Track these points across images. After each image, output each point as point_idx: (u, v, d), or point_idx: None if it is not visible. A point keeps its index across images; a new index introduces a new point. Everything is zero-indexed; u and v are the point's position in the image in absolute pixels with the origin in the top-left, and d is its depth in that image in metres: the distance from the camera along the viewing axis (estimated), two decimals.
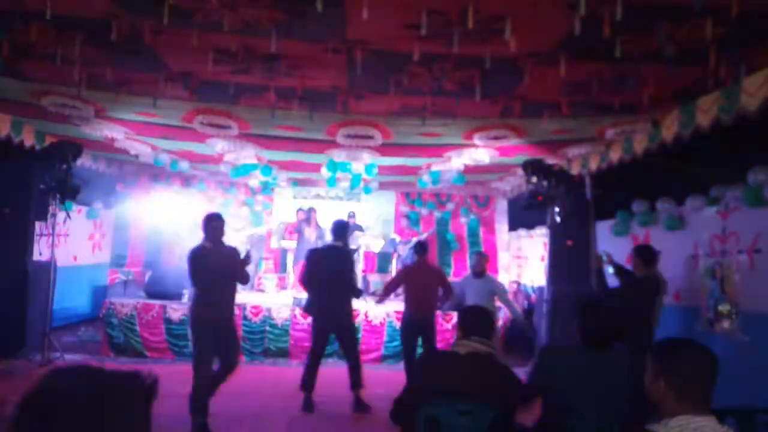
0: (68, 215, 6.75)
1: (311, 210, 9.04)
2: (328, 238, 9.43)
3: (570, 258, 6.43)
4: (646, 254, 4.76)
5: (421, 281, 5.68)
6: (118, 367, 1.00)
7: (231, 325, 4.65)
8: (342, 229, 5.39)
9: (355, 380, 5.14)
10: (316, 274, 5.19)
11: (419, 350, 5.65)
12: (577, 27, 3.07)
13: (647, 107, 4.68)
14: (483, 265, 6.11)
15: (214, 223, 4.47)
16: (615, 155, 5.93)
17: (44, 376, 0.94)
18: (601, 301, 4.78)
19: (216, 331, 4.37)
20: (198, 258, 4.34)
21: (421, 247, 5.96)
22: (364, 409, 5.04)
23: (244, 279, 4.72)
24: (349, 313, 5.29)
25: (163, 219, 9.32)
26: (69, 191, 6.46)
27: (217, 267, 4.35)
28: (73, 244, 8.37)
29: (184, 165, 8.18)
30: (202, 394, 4.33)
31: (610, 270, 5.13)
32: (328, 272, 5.13)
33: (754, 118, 3.84)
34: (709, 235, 4.97)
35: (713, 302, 4.79)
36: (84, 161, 7.43)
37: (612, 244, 6.09)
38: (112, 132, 6.29)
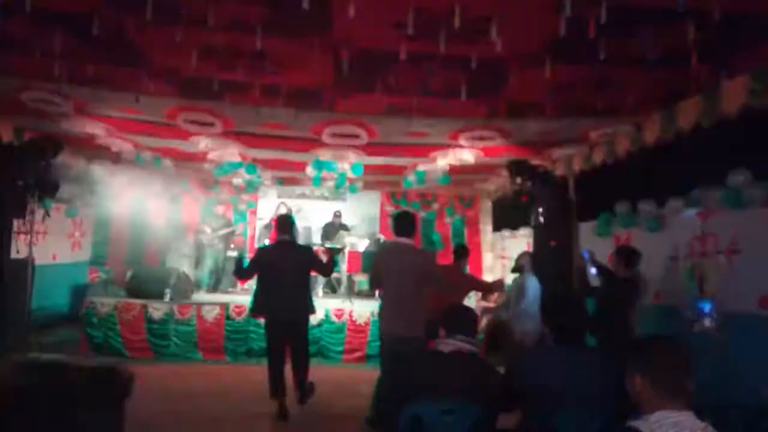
0: (47, 212, 6.62)
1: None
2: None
3: (553, 258, 6.49)
4: (627, 255, 4.82)
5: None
6: (98, 362, 0.97)
7: None
8: (289, 223, 5.19)
9: (301, 377, 4.91)
10: (271, 271, 4.86)
11: None
12: (563, 29, 3.10)
13: (630, 110, 4.74)
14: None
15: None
16: (598, 157, 6.00)
17: (12, 372, 0.91)
18: (568, 295, 4.82)
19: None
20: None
21: None
22: (309, 392, 4.93)
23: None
24: (304, 309, 4.99)
25: (144, 217, 9.20)
26: (48, 188, 6.35)
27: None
28: (52, 242, 8.21)
29: (167, 163, 8.08)
30: None
31: (592, 270, 5.18)
32: (285, 268, 4.83)
33: (733, 121, 3.91)
34: (688, 236, 5.05)
35: (693, 302, 4.87)
36: (64, 158, 7.30)
37: (594, 245, 6.15)
38: (93, 128, 6.18)
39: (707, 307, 4.52)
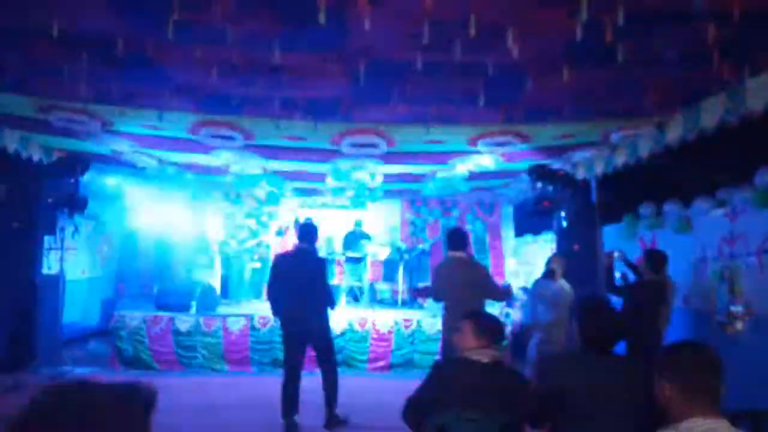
0: (76, 229, 6.79)
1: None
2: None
3: (577, 263, 6.39)
4: (655, 259, 4.73)
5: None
6: (119, 380, 0.98)
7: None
8: (310, 232, 5.04)
9: (330, 396, 4.79)
10: (285, 280, 4.78)
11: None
12: (579, 33, 3.08)
13: (652, 110, 4.67)
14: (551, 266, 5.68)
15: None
16: (620, 159, 5.91)
17: (36, 394, 0.92)
18: (604, 302, 4.72)
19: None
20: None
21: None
22: (338, 423, 4.78)
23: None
24: (326, 320, 4.88)
25: (171, 231, 9.36)
26: (77, 205, 6.52)
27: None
28: (82, 257, 8.42)
29: (190, 177, 8.23)
30: None
31: (617, 274, 5.10)
32: (299, 277, 4.74)
33: (759, 119, 3.83)
34: (716, 237, 4.94)
35: (723, 305, 4.75)
36: (92, 175, 7.49)
37: (619, 248, 6.06)
38: (119, 145, 6.34)
39: (738, 309, 4.41)
